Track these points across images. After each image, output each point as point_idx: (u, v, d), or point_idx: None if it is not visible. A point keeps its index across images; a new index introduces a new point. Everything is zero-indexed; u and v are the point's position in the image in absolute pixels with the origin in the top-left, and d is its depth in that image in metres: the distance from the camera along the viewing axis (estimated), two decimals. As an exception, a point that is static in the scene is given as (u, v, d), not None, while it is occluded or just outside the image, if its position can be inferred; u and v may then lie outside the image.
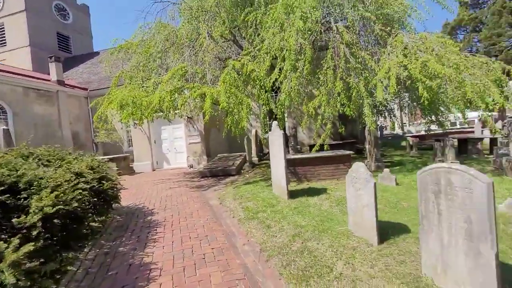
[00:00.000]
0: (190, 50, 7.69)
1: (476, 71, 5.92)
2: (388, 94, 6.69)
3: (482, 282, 2.07)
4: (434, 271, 2.43)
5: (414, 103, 8.94)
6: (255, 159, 10.44)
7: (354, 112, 6.49)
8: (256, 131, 10.83)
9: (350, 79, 6.19)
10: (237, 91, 6.27)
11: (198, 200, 6.12)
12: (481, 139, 10.99)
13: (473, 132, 15.01)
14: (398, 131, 22.04)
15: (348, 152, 7.00)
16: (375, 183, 3.11)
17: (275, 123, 5.73)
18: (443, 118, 8.46)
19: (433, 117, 8.46)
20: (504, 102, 5.69)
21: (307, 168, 6.77)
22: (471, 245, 2.10)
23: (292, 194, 5.35)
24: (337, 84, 6.09)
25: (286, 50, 6.00)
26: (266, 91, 7.00)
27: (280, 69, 6.47)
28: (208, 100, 6.05)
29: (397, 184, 5.77)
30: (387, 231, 3.42)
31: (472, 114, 17.71)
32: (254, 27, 7.31)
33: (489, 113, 6.38)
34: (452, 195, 2.17)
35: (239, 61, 6.79)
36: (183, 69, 6.91)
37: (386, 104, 10.15)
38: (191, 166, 11.37)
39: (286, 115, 9.87)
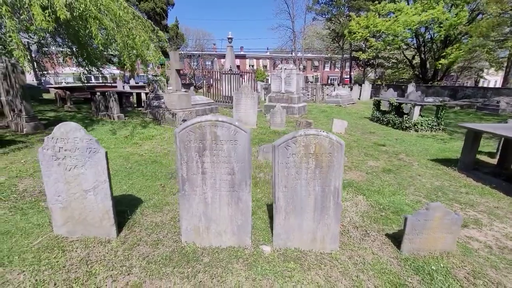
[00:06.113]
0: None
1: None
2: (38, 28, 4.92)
3: (240, 224, 2.23)
4: (196, 234, 2.26)
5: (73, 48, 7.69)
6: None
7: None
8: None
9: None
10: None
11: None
12: (131, 93, 12.18)
13: (116, 86, 16.27)
14: (30, 81, 17.18)
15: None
16: (106, 152, 2.13)
17: None
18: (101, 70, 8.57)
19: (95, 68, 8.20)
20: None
21: None
22: (233, 194, 2.15)
23: None
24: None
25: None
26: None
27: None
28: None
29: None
30: (123, 210, 2.65)
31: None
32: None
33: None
34: (218, 150, 2.02)
35: None
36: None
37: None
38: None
39: None
